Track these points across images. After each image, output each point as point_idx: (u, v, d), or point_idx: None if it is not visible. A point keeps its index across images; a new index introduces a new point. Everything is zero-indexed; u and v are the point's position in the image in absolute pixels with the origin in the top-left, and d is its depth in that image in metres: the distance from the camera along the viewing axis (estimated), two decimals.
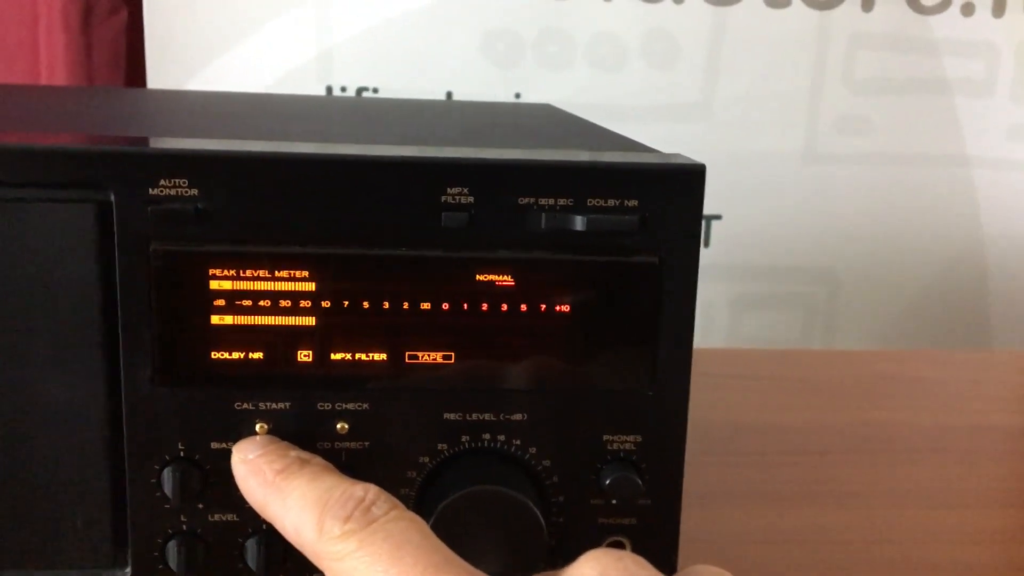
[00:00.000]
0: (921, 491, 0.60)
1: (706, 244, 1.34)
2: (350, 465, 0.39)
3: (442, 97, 1.19)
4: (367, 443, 0.39)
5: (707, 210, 1.34)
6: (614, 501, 0.39)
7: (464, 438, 0.39)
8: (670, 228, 0.38)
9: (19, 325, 0.36)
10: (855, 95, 1.25)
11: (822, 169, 1.27)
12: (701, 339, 1.32)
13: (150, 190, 0.36)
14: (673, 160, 0.39)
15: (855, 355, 0.95)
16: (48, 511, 0.38)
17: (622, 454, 0.40)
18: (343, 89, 1.19)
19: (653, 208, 0.38)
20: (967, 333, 1.32)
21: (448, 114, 0.58)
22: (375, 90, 1.19)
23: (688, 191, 0.38)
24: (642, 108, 1.24)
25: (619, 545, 0.41)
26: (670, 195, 0.38)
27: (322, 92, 1.18)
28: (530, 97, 1.18)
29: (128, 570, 0.39)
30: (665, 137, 1.24)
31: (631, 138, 0.47)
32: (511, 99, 1.20)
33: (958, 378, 0.82)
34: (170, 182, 0.36)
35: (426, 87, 1.18)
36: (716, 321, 1.37)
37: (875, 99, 1.25)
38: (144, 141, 0.38)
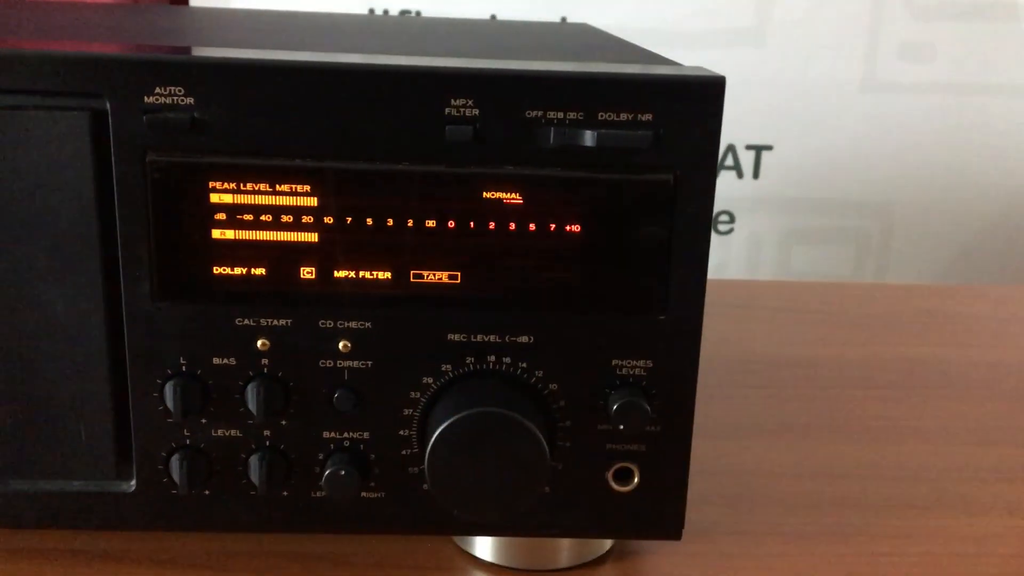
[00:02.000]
0: (962, 428, 0.58)
1: (755, 176, 1.30)
2: (352, 384, 0.38)
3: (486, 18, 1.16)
4: (370, 363, 0.38)
5: (758, 140, 1.31)
6: (622, 427, 0.38)
7: (469, 359, 0.38)
8: (686, 144, 0.36)
9: (17, 236, 0.36)
10: (918, 20, 1.20)
11: (881, 98, 1.22)
12: (748, 273, 1.30)
13: (145, 98, 0.35)
14: (691, 72, 0.36)
15: (905, 288, 0.92)
16: (53, 424, 0.38)
17: (632, 379, 0.38)
18: (385, 11, 1.17)
19: (668, 123, 0.36)
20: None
21: (475, 32, 0.56)
22: (418, 13, 1.17)
23: (706, 105, 0.36)
24: (694, 33, 1.20)
25: (627, 472, 0.40)
26: (686, 109, 0.36)
27: (364, 12, 1.16)
28: (577, 20, 1.14)
29: (133, 482, 0.39)
30: (716, 63, 1.20)
31: (662, 55, 0.45)
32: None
33: (1011, 314, 0.79)
34: (165, 90, 0.35)
35: (470, 10, 1.15)
36: (765, 255, 1.34)
37: (939, 25, 1.19)
38: (147, 49, 0.37)
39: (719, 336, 0.69)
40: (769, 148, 1.28)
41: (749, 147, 1.28)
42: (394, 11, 1.17)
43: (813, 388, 0.62)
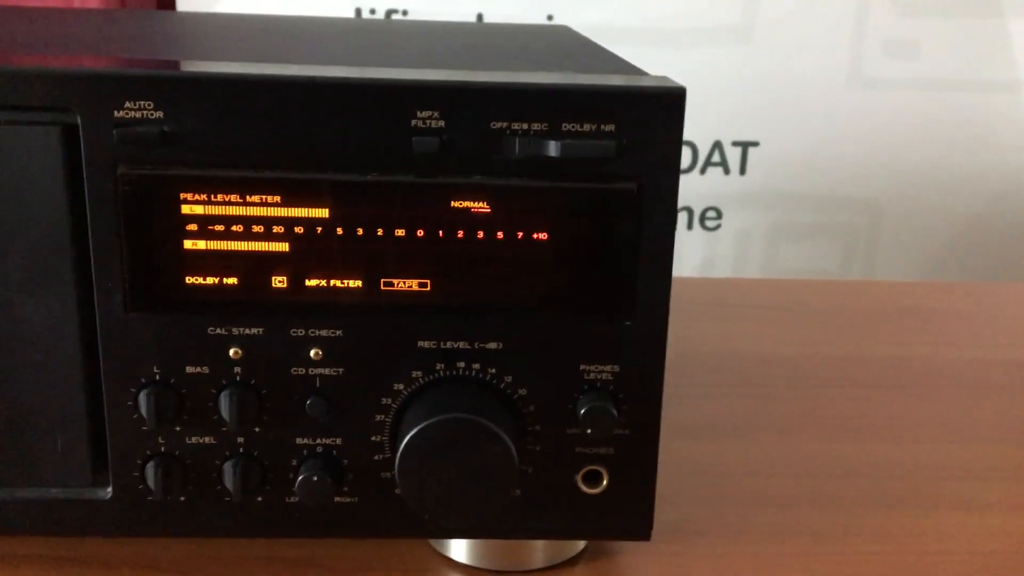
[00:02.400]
0: (939, 425, 0.58)
1: (742, 172, 1.31)
2: (324, 391, 0.39)
3: (472, 19, 1.17)
4: (341, 370, 0.38)
5: (745, 136, 1.32)
6: (590, 431, 0.39)
7: (439, 366, 0.39)
8: (649, 153, 0.37)
9: None
10: (903, 17, 1.20)
11: (866, 94, 1.23)
12: (736, 269, 1.31)
13: (115, 112, 0.36)
14: (652, 83, 0.37)
15: (889, 286, 0.93)
16: (29, 433, 0.38)
17: (599, 384, 0.39)
18: (372, 12, 1.17)
19: (631, 133, 0.36)
20: (1013, 268, 1.28)
21: (451, 37, 0.56)
22: (404, 12, 1.17)
23: (668, 115, 0.36)
24: (681, 31, 1.20)
25: (596, 475, 0.40)
26: (649, 119, 0.36)
27: (351, 15, 1.16)
28: (565, 20, 1.15)
29: (109, 489, 0.39)
30: (703, 61, 1.21)
31: (631, 63, 0.45)
32: (542, 21, 1.17)
33: (998, 312, 0.79)
34: (135, 104, 0.35)
35: (457, 10, 1.16)
36: (751, 252, 1.34)
37: (924, 21, 1.20)
38: (121, 62, 0.38)
39: (700, 335, 0.70)
40: (756, 144, 1.28)
41: (736, 143, 1.28)
42: (381, 11, 1.17)
43: (792, 387, 0.63)
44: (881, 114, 1.25)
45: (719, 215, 1.32)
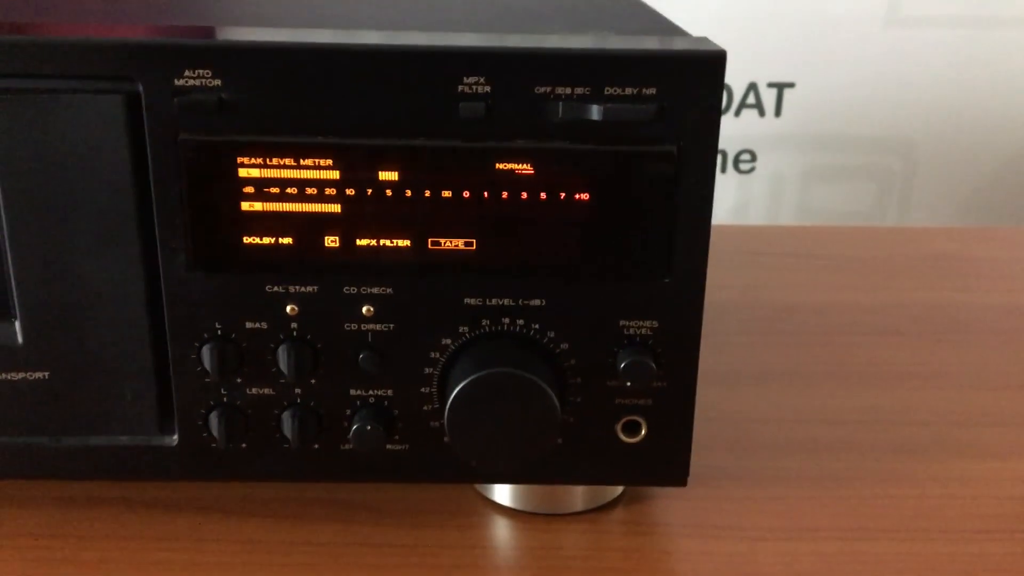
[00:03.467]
0: (967, 373, 0.60)
1: (777, 114, 1.30)
2: (376, 346, 0.41)
3: None
4: (391, 326, 0.40)
5: (780, 77, 1.31)
6: (629, 384, 0.41)
7: (484, 322, 0.40)
8: (689, 117, 0.38)
9: (61, 213, 0.38)
10: None
11: (905, 33, 1.21)
12: (770, 212, 1.31)
13: (175, 81, 0.37)
14: (692, 47, 0.38)
15: (922, 231, 0.93)
16: (101, 384, 0.41)
17: (638, 339, 0.41)
18: None
19: (671, 96, 0.37)
20: None
21: None
22: None
23: (707, 79, 0.37)
24: None
25: (635, 425, 0.42)
26: (688, 83, 0.37)
27: None
28: None
29: (175, 437, 0.42)
30: (739, 0, 1.20)
31: (670, 20, 0.46)
32: None
33: None
34: (194, 72, 0.37)
35: None
36: (786, 193, 1.34)
37: None
38: (179, 31, 0.39)
39: (731, 283, 0.71)
40: (791, 85, 1.27)
41: (771, 85, 1.27)
42: None
43: (821, 335, 0.64)
44: (919, 53, 1.23)
45: (753, 157, 1.32)
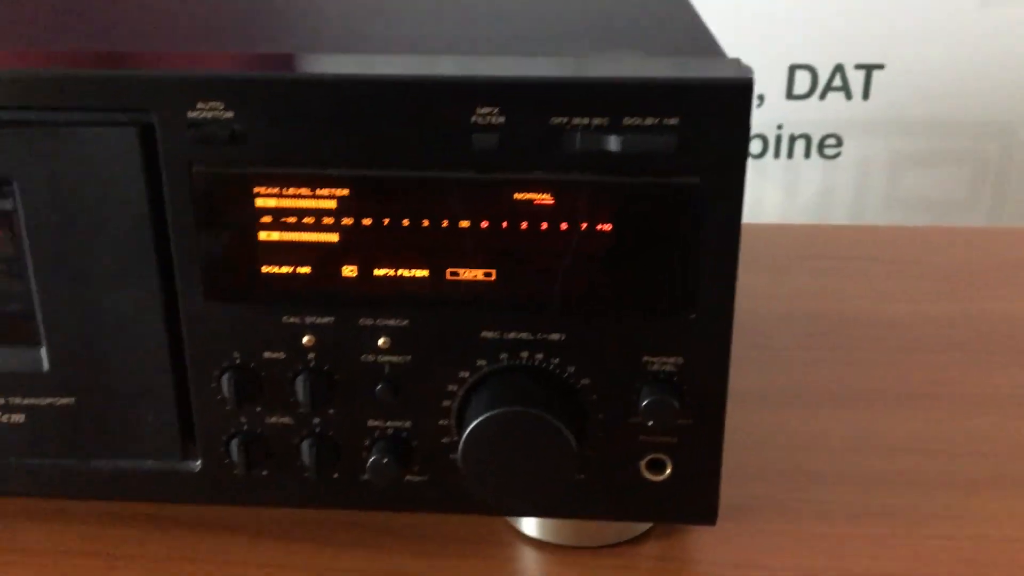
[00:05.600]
0: None
1: (865, 97, 1.25)
2: (392, 378, 0.40)
3: None
4: (408, 358, 0.40)
5: (868, 58, 1.25)
6: (651, 423, 0.39)
7: (503, 355, 0.39)
8: (713, 147, 0.36)
9: (83, 244, 0.39)
10: None
11: (1003, 12, 1.14)
12: (854, 200, 1.26)
13: (188, 113, 0.37)
14: (717, 74, 0.36)
15: (1010, 233, 0.87)
16: (125, 410, 0.41)
17: (662, 375, 0.39)
18: None
19: (694, 126, 0.35)
20: None
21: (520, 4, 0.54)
22: None
23: (732, 108, 0.35)
24: None
25: (660, 463, 0.40)
26: (712, 112, 0.35)
27: None
28: None
29: (198, 462, 0.42)
30: None
31: (708, 33, 0.43)
32: None
33: None
34: (207, 104, 0.37)
35: None
36: (873, 180, 1.29)
37: None
38: (194, 59, 0.39)
39: (795, 290, 0.68)
40: (880, 67, 1.22)
41: (859, 66, 1.22)
42: None
43: (882, 351, 0.61)
44: (1018, 33, 1.16)
45: (839, 142, 1.27)
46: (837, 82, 1.24)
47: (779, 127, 1.26)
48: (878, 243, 0.77)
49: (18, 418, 0.41)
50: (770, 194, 1.25)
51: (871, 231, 0.87)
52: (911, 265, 0.73)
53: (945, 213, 1.28)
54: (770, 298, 0.65)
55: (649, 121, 0.35)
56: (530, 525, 0.45)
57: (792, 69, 1.20)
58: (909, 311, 0.66)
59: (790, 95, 1.22)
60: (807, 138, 1.26)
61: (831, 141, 1.27)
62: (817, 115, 1.24)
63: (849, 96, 1.24)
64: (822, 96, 1.24)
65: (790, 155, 1.25)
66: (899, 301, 0.67)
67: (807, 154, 1.27)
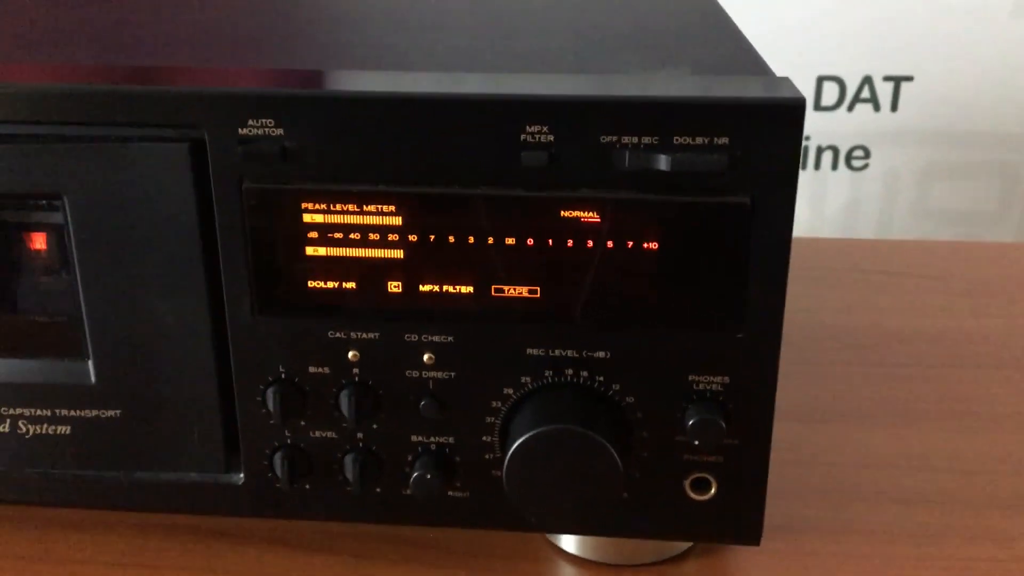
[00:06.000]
0: None
1: (893, 108, 1.24)
2: (436, 393, 0.40)
3: None
4: (452, 374, 0.40)
5: (897, 70, 1.25)
6: (697, 442, 0.39)
7: (547, 372, 0.39)
8: (764, 167, 0.35)
9: (131, 257, 0.39)
10: None
11: None
12: (882, 212, 1.25)
13: (240, 130, 0.37)
14: (770, 92, 0.36)
15: None
16: (170, 423, 0.41)
17: (708, 395, 0.39)
18: None
19: (745, 146, 0.35)
20: None
21: (572, 17, 0.55)
22: None
23: (784, 128, 0.35)
24: None
25: (704, 482, 0.40)
26: (764, 132, 0.35)
27: None
28: None
29: (241, 475, 0.42)
30: None
31: (755, 54, 0.43)
32: None
33: None
34: (257, 122, 0.37)
35: None
36: (901, 192, 1.28)
37: None
38: (243, 75, 0.39)
39: (830, 304, 0.68)
40: (909, 79, 1.21)
41: (887, 78, 1.21)
42: None
43: (924, 367, 0.60)
44: None
45: (867, 154, 1.26)
46: (865, 94, 1.23)
47: (806, 139, 1.26)
48: (907, 257, 0.77)
49: (64, 430, 0.42)
50: (797, 206, 1.25)
51: (899, 245, 0.86)
52: (945, 280, 0.72)
53: (974, 226, 1.27)
54: (806, 311, 0.65)
55: (700, 140, 0.35)
56: (570, 542, 0.45)
57: (820, 80, 1.19)
58: (948, 327, 0.65)
59: (817, 106, 1.21)
60: (834, 150, 1.26)
61: (859, 153, 1.27)
62: (845, 127, 1.24)
63: (877, 108, 1.24)
64: (850, 108, 1.23)
65: (817, 167, 1.24)
66: (937, 316, 0.66)
67: (834, 166, 1.27)
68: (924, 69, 1.20)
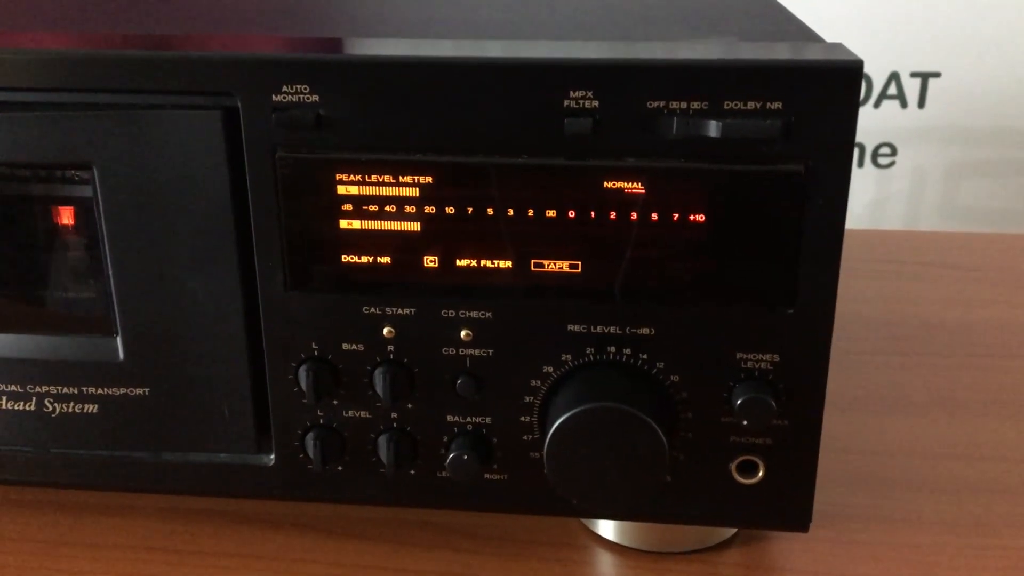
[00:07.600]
0: None
1: (921, 105, 1.22)
2: (474, 371, 0.39)
3: None
4: (491, 351, 0.38)
5: (924, 67, 1.23)
6: (745, 422, 0.37)
7: (589, 350, 0.38)
8: (819, 133, 0.34)
9: (161, 231, 0.38)
10: None
11: None
12: (908, 209, 1.24)
13: (273, 96, 0.36)
14: (824, 55, 0.34)
15: None
16: (200, 402, 0.40)
17: (757, 373, 0.37)
18: None
19: (799, 111, 0.34)
20: None
21: None
22: None
23: (841, 92, 0.34)
24: None
25: (752, 465, 0.39)
26: (819, 97, 0.34)
27: None
28: None
29: (272, 456, 0.41)
30: None
31: (803, 23, 0.42)
32: None
33: None
34: (292, 88, 0.36)
35: None
36: (929, 189, 1.26)
37: None
38: (278, 42, 0.38)
39: (865, 294, 0.66)
40: (937, 75, 1.20)
41: (914, 75, 1.20)
42: None
43: (966, 356, 0.59)
44: None
45: (893, 151, 1.24)
46: (892, 90, 1.21)
47: None
48: (941, 249, 0.75)
49: (91, 408, 0.41)
50: None
51: (944, 236, 0.84)
52: (983, 271, 0.71)
53: (1002, 224, 1.25)
54: (841, 301, 0.63)
55: (752, 105, 0.34)
56: (608, 528, 0.43)
57: None
58: (986, 317, 0.64)
59: None
60: (861, 147, 1.24)
61: (885, 150, 1.25)
62: (871, 123, 1.22)
63: (904, 104, 1.22)
64: (876, 104, 1.22)
65: None
66: (974, 307, 0.65)
67: (860, 163, 1.25)
68: (952, 65, 1.19)
